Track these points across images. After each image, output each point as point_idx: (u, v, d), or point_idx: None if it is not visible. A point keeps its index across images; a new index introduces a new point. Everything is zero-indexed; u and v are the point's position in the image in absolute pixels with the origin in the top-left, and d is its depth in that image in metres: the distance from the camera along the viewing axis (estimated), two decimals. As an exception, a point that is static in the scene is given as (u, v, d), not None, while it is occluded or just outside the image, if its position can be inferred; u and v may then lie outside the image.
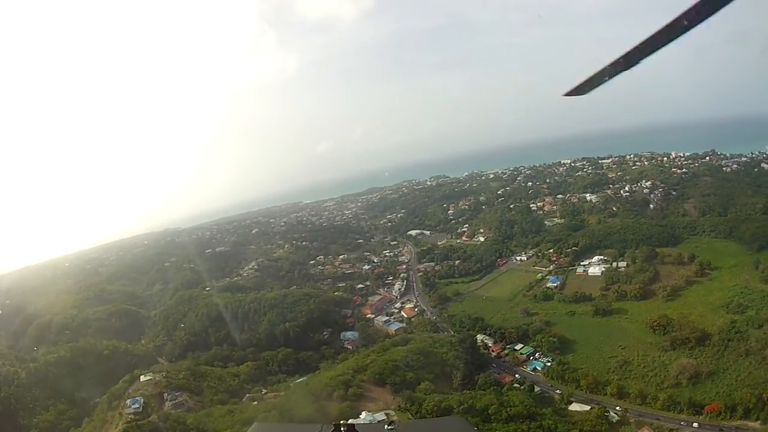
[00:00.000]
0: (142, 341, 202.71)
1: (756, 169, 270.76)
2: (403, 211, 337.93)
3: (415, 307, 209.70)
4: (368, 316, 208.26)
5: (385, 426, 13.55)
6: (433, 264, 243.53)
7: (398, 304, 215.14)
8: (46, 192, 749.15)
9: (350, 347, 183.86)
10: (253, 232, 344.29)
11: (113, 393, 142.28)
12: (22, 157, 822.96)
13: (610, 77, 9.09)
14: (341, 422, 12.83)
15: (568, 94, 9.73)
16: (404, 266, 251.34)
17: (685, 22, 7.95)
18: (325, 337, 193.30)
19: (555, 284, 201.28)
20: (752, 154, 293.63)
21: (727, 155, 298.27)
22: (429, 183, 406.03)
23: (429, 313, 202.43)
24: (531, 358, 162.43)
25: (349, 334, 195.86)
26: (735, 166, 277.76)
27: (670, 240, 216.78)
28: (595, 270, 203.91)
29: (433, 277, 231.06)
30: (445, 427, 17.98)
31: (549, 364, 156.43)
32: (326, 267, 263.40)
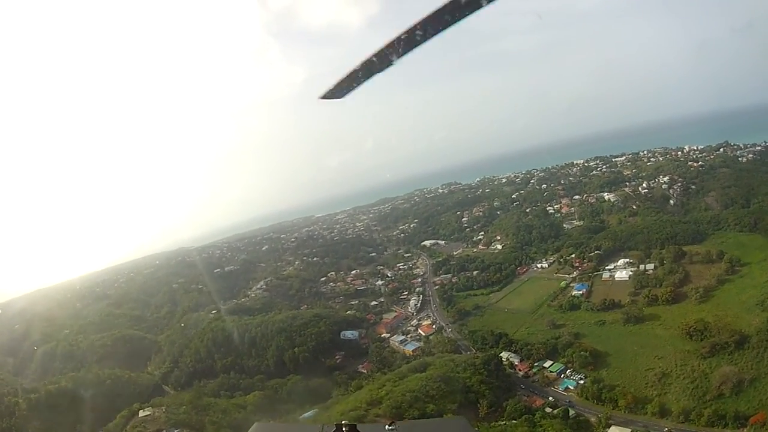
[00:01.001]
0: (149, 368, 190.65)
1: None
2: (415, 221, 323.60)
3: (432, 323, 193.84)
4: (383, 335, 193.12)
5: (386, 426, 13.41)
6: (449, 276, 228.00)
7: (414, 322, 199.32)
8: (60, 213, 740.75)
9: (364, 371, 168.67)
10: (264, 249, 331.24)
11: (109, 431, 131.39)
12: (37, 179, 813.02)
13: (366, 78, 9.01)
14: (343, 422, 12.67)
15: (323, 98, 9.58)
16: (419, 279, 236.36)
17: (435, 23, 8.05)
18: (338, 361, 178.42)
19: (581, 292, 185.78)
20: (766, 142, 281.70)
21: (741, 145, 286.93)
22: (441, 191, 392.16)
23: (448, 330, 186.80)
24: (562, 376, 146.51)
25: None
26: (751, 155, 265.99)
27: (695, 237, 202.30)
28: (621, 274, 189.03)
29: (450, 290, 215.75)
30: (445, 426, 19.41)
31: (582, 381, 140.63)
32: (338, 284, 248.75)
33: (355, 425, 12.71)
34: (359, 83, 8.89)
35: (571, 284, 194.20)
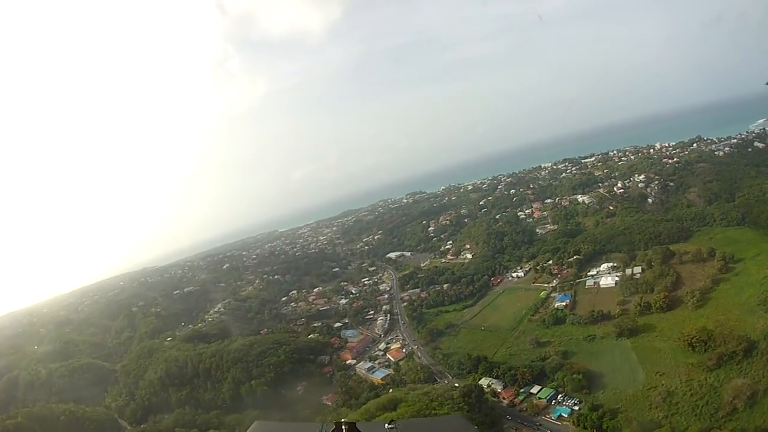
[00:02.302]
0: (106, 400, 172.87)
1: (750, 149, 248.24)
2: (380, 232, 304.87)
3: (402, 347, 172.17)
4: (349, 362, 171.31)
5: (386, 425, 12.32)
6: (418, 291, 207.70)
7: (383, 345, 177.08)
8: (30, 235, 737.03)
9: (329, 403, 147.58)
10: (224, 267, 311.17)
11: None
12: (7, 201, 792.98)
13: None
14: (342, 421, 12.00)
15: None
16: (386, 296, 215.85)
17: None
18: (300, 393, 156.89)
19: (564, 303, 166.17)
20: (740, 134, 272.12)
21: (715, 140, 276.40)
22: (405, 200, 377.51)
23: (419, 354, 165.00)
24: (553, 402, 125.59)
25: (349, 333, 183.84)
26: (728, 149, 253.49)
27: (680, 235, 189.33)
28: (607, 280, 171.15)
29: (419, 306, 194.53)
30: (445, 425, 17.43)
31: (577, 408, 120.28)
32: (299, 304, 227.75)
33: (355, 423, 11.64)
34: None
35: (552, 294, 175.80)
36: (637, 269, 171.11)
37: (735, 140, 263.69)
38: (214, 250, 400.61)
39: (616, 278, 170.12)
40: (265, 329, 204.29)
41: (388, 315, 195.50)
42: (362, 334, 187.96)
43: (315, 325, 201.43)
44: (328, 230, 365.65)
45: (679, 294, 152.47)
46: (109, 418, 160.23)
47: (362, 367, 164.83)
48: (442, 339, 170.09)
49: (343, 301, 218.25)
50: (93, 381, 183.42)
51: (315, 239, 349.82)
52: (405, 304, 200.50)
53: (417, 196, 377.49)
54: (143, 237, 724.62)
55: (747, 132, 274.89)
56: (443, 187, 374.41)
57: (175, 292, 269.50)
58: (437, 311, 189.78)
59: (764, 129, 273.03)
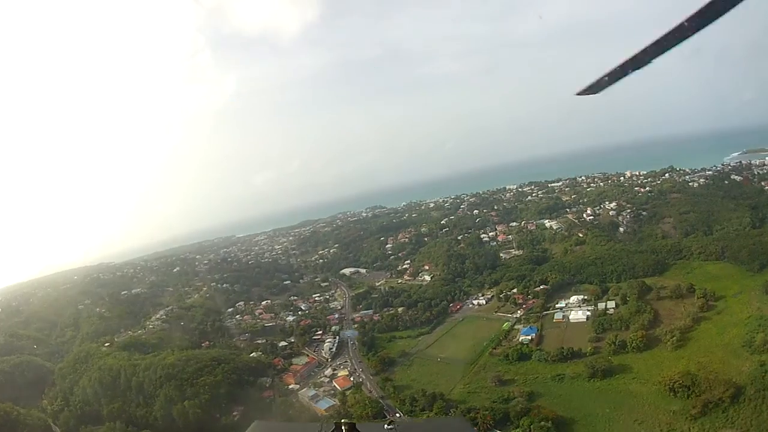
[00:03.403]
0: (44, 401, 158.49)
1: (726, 182, 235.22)
2: (336, 245, 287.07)
3: (350, 374, 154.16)
4: (291, 386, 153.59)
5: (385, 425, 13.03)
6: (371, 312, 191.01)
7: (329, 371, 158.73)
8: None
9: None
10: (175, 270, 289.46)
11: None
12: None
13: (619, 78, 9.78)
14: (342, 421, 12.35)
15: (580, 93, 10.43)
16: (336, 315, 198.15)
17: (689, 26, 8.79)
18: (236, 419, 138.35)
19: (529, 336, 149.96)
20: (715, 167, 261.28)
21: (688, 170, 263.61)
22: (365, 214, 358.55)
23: (368, 385, 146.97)
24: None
25: (349, 333, 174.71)
26: (702, 180, 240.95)
27: (655, 268, 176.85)
28: (577, 315, 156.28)
29: (371, 330, 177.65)
30: (445, 426, 17.92)
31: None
32: (245, 317, 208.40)
33: (354, 424, 11.94)
34: (612, 82, 9.66)
35: (517, 326, 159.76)
36: (611, 304, 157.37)
37: (710, 172, 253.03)
38: (170, 251, 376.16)
39: (588, 312, 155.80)
40: (207, 342, 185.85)
41: (337, 337, 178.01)
42: (308, 357, 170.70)
43: (259, 341, 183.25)
44: (285, 240, 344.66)
45: (657, 332, 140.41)
46: (42, 423, 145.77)
47: (305, 393, 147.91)
48: (394, 369, 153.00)
49: (291, 318, 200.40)
50: (32, 380, 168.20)
51: (270, 248, 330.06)
52: (356, 325, 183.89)
53: (377, 211, 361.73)
54: (105, 231, 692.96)
55: (722, 165, 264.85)
56: (404, 203, 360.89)
57: (122, 293, 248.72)
58: (390, 336, 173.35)
59: (740, 162, 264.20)
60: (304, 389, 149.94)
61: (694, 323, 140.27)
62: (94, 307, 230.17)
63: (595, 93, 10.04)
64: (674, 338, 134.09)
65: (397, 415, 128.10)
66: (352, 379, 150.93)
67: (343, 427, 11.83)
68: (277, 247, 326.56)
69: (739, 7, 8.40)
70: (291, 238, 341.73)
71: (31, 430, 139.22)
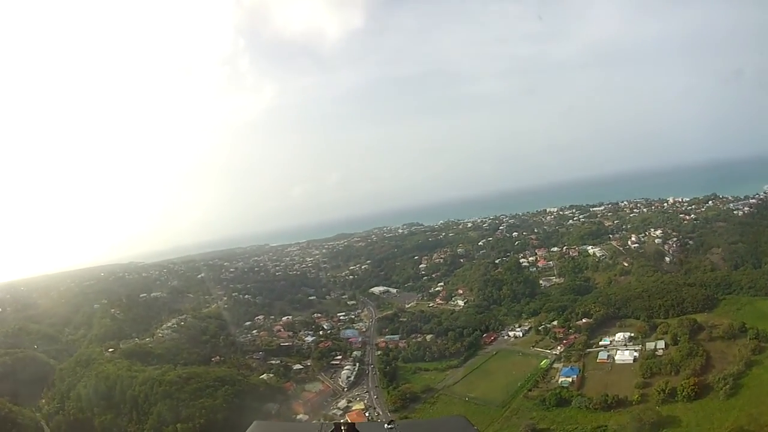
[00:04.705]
0: (42, 400, 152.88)
1: None
2: (368, 262, 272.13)
3: (366, 410, 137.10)
4: (299, 417, 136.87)
5: (385, 425, 12.15)
6: (397, 338, 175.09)
7: (343, 402, 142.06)
8: (22, 210, 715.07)
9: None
10: (199, 276, 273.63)
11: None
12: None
13: None
14: (342, 421, 13.35)
15: None
16: (359, 338, 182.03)
17: None
18: None
19: (570, 378, 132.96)
20: (758, 195, 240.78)
21: (731, 197, 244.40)
22: (401, 231, 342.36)
23: (386, 425, 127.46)
24: None
25: (349, 332, 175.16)
26: (747, 209, 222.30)
27: (705, 303, 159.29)
28: (624, 355, 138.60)
29: (395, 358, 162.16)
30: (446, 425, 16.13)
31: None
32: (261, 333, 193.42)
33: (354, 424, 11.12)
34: None
35: (556, 365, 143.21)
36: (660, 343, 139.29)
37: (754, 200, 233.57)
38: (200, 255, 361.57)
39: (635, 353, 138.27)
40: (217, 357, 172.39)
41: (358, 364, 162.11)
42: (323, 383, 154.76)
43: (272, 362, 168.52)
44: (317, 252, 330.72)
45: (708, 379, 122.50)
46: (33, 424, 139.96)
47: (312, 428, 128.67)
48: (416, 406, 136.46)
49: (310, 338, 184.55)
50: (34, 377, 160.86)
51: (301, 259, 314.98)
52: (379, 352, 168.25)
53: (414, 228, 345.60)
54: (144, 231, 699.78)
55: (765, 193, 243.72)
56: (441, 221, 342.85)
57: (141, 296, 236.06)
58: (415, 368, 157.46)
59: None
60: (314, 422, 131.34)
61: (746, 368, 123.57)
62: (109, 308, 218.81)
63: None
64: (727, 386, 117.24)
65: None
66: (367, 414, 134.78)
67: (342, 428, 10.80)
68: (308, 259, 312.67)
69: None
70: (324, 250, 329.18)
71: (20, 429, 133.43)
